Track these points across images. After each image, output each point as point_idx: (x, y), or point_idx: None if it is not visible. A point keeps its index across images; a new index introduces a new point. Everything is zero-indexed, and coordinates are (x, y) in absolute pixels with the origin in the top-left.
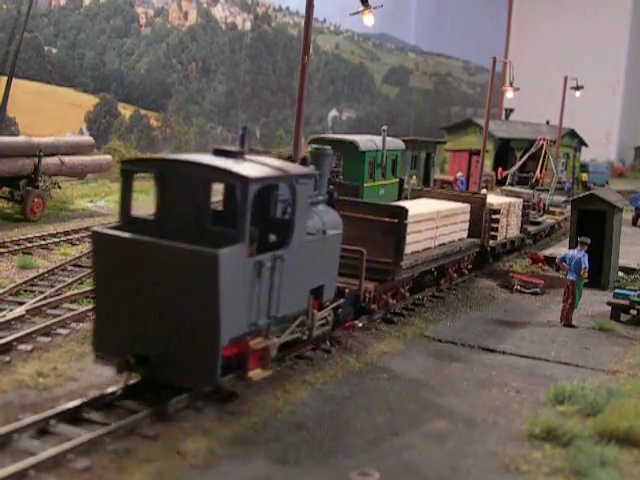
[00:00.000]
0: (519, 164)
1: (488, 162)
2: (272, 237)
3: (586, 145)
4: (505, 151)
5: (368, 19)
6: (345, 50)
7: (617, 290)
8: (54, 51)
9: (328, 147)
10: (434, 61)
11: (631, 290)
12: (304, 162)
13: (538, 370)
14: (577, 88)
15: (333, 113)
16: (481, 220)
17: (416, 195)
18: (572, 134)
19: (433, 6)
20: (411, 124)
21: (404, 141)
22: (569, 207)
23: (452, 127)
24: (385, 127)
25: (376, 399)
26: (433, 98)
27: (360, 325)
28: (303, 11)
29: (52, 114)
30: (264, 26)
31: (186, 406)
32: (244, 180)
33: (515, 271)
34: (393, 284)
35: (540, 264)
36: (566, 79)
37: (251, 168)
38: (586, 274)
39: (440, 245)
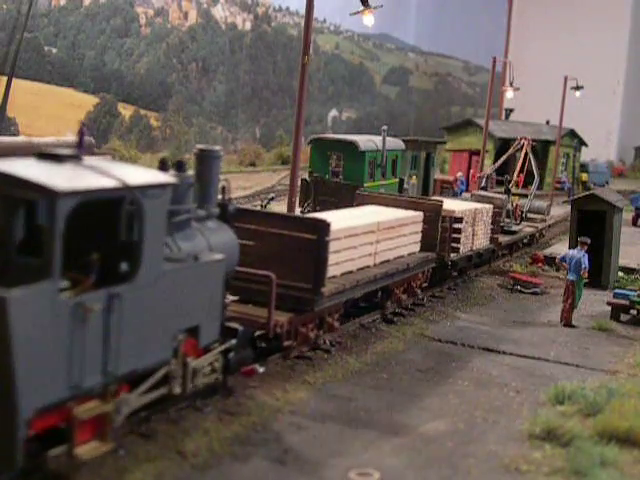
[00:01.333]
0: (496, 166)
1: (488, 162)
2: (124, 266)
3: (586, 145)
4: (505, 151)
5: (368, 19)
6: (345, 50)
7: (617, 290)
8: (54, 51)
9: (217, 148)
10: (434, 61)
11: (631, 290)
12: (163, 166)
13: (538, 370)
14: (577, 88)
15: (333, 113)
16: (436, 230)
17: (362, 201)
18: (572, 134)
19: (433, 6)
20: (411, 124)
21: (404, 141)
22: (560, 212)
23: (452, 127)
24: (385, 127)
25: (376, 399)
26: (433, 98)
27: (261, 371)
28: (303, 11)
29: (52, 114)
30: (264, 26)
31: (186, 406)
32: (51, 194)
33: (515, 271)
34: (315, 314)
35: (540, 264)
36: (566, 79)
37: (70, 177)
38: (586, 274)
39: (383, 263)
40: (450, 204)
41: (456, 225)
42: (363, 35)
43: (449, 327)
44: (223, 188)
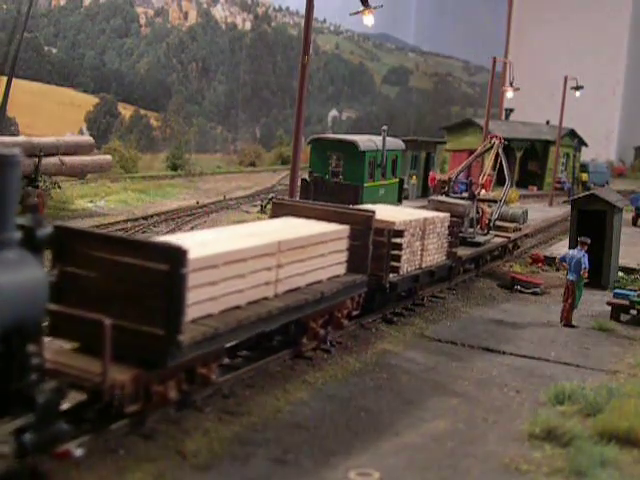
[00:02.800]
0: (460, 168)
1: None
2: None
3: (586, 145)
4: (505, 151)
5: (368, 19)
6: (345, 50)
7: (617, 290)
8: (54, 51)
9: (13, 151)
10: (434, 61)
11: (631, 290)
12: None
13: (538, 370)
14: (577, 88)
15: (333, 113)
16: (367, 248)
17: (279, 212)
18: (572, 134)
19: (433, 6)
20: (411, 124)
21: (404, 141)
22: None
23: (452, 127)
24: (385, 127)
25: (376, 399)
26: (433, 98)
27: (78, 454)
28: (303, 11)
29: (52, 114)
30: (264, 26)
31: (186, 406)
32: None
33: (515, 271)
34: (174, 368)
35: (540, 264)
36: (566, 79)
37: None
38: (586, 274)
39: (289, 292)
40: (391, 214)
41: (396, 240)
42: (363, 35)
43: (449, 327)
44: (31, 206)
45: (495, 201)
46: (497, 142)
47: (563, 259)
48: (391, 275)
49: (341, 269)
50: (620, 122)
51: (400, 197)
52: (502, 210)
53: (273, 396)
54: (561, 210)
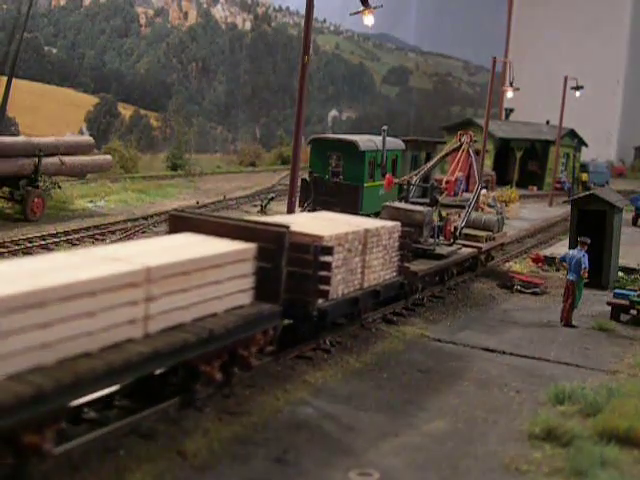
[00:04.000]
0: (422, 170)
1: (488, 162)
2: None
3: (586, 145)
4: (505, 151)
5: (368, 19)
6: (345, 50)
7: (617, 290)
8: (54, 51)
9: None
10: (434, 61)
11: (631, 290)
12: None
13: (538, 370)
14: (577, 88)
15: (333, 113)
16: (280, 271)
17: (176, 226)
18: (572, 134)
19: (433, 6)
20: (411, 124)
21: (404, 141)
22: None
23: (452, 127)
24: (385, 127)
25: (376, 399)
26: (433, 98)
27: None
28: (303, 11)
29: (52, 114)
30: (264, 26)
31: (186, 406)
32: None
33: (515, 271)
34: None
35: (540, 264)
36: (566, 79)
37: None
38: (586, 274)
39: (165, 330)
40: (323, 225)
41: (325, 258)
42: (363, 35)
43: (449, 327)
44: None
45: (462, 207)
46: (466, 140)
47: (563, 259)
48: (320, 300)
49: (245, 298)
50: (620, 122)
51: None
52: (473, 217)
53: (273, 396)
54: (561, 210)
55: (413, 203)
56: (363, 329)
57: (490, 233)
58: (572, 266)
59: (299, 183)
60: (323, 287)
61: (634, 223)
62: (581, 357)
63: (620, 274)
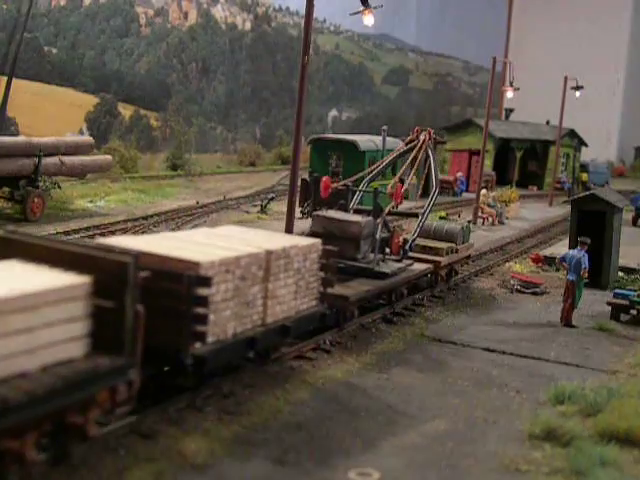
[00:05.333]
0: (371, 171)
1: (488, 162)
2: None
3: (586, 145)
4: (505, 151)
5: (368, 19)
6: (345, 50)
7: (617, 290)
8: (54, 51)
9: None
10: (434, 61)
11: (631, 290)
12: None
13: (538, 370)
14: (577, 88)
15: (333, 113)
16: (123, 310)
17: (5, 251)
18: (572, 134)
19: (433, 6)
20: (411, 124)
21: (404, 141)
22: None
23: (452, 127)
24: (385, 127)
25: (376, 399)
26: (433, 98)
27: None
28: (303, 11)
29: (52, 114)
30: (264, 26)
31: (186, 406)
32: None
33: (515, 271)
34: None
35: (540, 264)
36: (566, 79)
37: None
38: (586, 274)
39: None
40: (204, 249)
41: (201, 291)
42: (363, 35)
43: (449, 327)
44: None
45: (415, 215)
46: (425, 138)
47: (563, 259)
48: (197, 344)
49: (75, 349)
50: (620, 122)
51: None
52: (434, 226)
53: (273, 396)
54: (561, 210)
55: (359, 212)
56: (363, 329)
57: (452, 245)
58: (572, 266)
59: (299, 183)
60: (198, 328)
61: (634, 223)
62: (581, 357)
63: (620, 274)
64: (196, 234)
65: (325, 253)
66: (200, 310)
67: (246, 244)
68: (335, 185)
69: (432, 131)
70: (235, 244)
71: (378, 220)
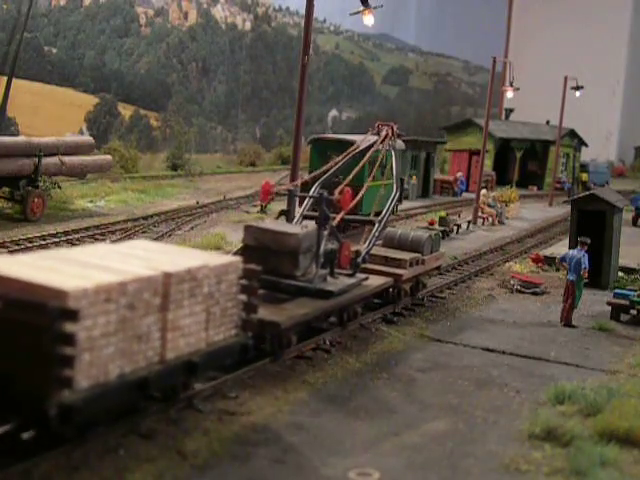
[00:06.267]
0: (314, 175)
1: (488, 162)
2: None
3: (586, 145)
4: (505, 151)
5: (368, 19)
6: (345, 50)
7: (617, 290)
8: (54, 51)
9: None
10: (434, 61)
11: (631, 290)
12: None
13: (538, 370)
14: (577, 88)
15: (333, 113)
16: None
17: None
18: (572, 134)
19: (433, 6)
20: (411, 124)
21: (404, 141)
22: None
23: (452, 127)
24: None
25: (376, 399)
26: (433, 98)
27: None
28: (303, 11)
29: (52, 114)
30: (264, 26)
31: (186, 406)
32: None
33: (515, 271)
34: None
35: (540, 264)
36: (566, 79)
37: None
38: (586, 274)
39: None
40: (83, 271)
41: (68, 326)
42: (363, 35)
43: (449, 327)
44: None
45: (371, 222)
46: (386, 134)
47: (563, 259)
48: (66, 391)
49: None
50: (620, 122)
51: (400, 197)
52: (398, 234)
53: (273, 396)
54: (561, 210)
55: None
56: (363, 329)
57: (418, 255)
58: (572, 266)
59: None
60: (64, 372)
61: (634, 223)
62: (581, 357)
63: (620, 274)
64: (92, 252)
65: (247, 273)
66: (67, 350)
67: (145, 265)
68: (278, 189)
69: (395, 126)
70: (131, 265)
71: (325, 230)
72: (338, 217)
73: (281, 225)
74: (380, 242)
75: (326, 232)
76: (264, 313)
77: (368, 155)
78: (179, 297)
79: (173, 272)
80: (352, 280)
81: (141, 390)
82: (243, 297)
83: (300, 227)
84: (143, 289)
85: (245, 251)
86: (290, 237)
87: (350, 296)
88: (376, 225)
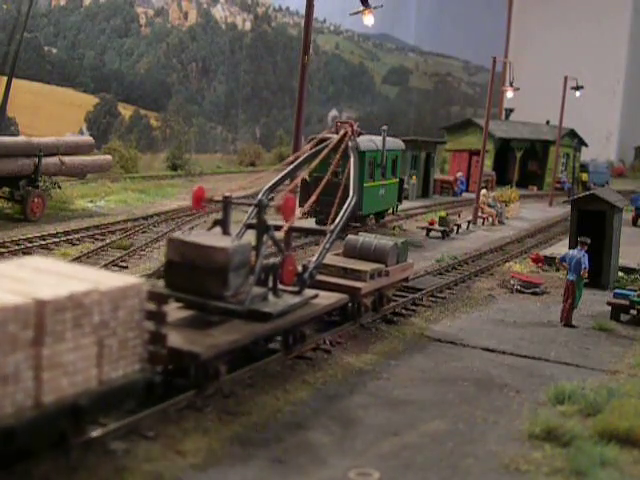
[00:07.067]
0: (273, 181)
1: (488, 162)
2: None
3: (586, 145)
4: (505, 151)
5: (368, 19)
6: (345, 50)
7: (617, 290)
8: (54, 51)
9: None
10: (434, 61)
11: (631, 290)
12: None
13: (538, 370)
14: (577, 88)
15: (333, 113)
16: None
17: None
18: (572, 134)
19: (433, 6)
20: (411, 124)
21: (404, 141)
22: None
23: (452, 127)
24: (385, 127)
25: (376, 399)
26: (433, 98)
27: None
28: (303, 11)
29: (52, 114)
30: (264, 26)
31: (186, 406)
32: None
33: (515, 271)
34: None
35: (540, 264)
36: (566, 79)
37: None
38: (586, 274)
39: None
40: None
41: None
42: (363, 35)
43: (449, 327)
44: None
45: (322, 232)
46: (347, 132)
47: (563, 259)
48: None
49: None
50: (620, 122)
51: (400, 197)
52: (362, 242)
53: (273, 396)
54: (561, 210)
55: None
56: (363, 329)
57: (381, 266)
58: (572, 266)
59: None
60: None
61: (634, 223)
62: (581, 357)
63: (620, 274)
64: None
65: (154, 297)
66: None
67: (19, 290)
68: (211, 199)
69: (355, 124)
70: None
71: (264, 242)
72: (285, 227)
73: (210, 238)
74: (340, 251)
75: (264, 244)
76: (183, 341)
77: (323, 155)
78: (59, 329)
79: (49, 299)
80: (298, 299)
81: (7, 441)
82: (150, 325)
83: (231, 240)
84: (8, 320)
85: (168, 268)
86: (217, 252)
87: (294, 317)
88: (327, 236)
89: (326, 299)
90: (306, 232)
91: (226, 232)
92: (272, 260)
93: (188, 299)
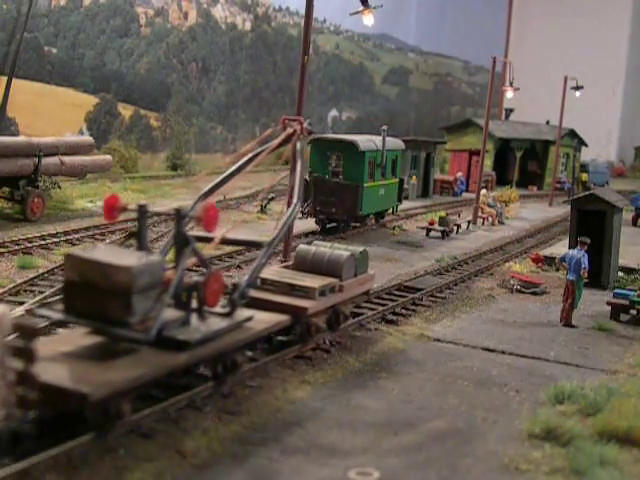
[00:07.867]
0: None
1: (488, 162)
2: None
3: (586, 145)
4: (505, 151)
5: (368, 19)
6: (345, 50)
7: (617, 290)
8: (54, 51)
9: None
10: (434, 61)
11: (631, 290)
12: None
13: (538, 370)
14: (577, 88)
15: (333, 113)
16: None
17: None
18: (572, 134)
19: (433, 6)
20: (411, 124)
21: (404, 141)
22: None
23: (452, 127)
24: (385, 127)
25: (376, 399)
26: (433, 98)
27: None
28: (303, 11)
29: (52, 114)
30: (264, 26)
31: (186, 406)
32: None
33: (515, 271)
34: None
35: (540, 264)
36: (566, 79)
37: None
38: (586, 274)
39: None
40: None
41: None
42: (363, 35)
43: (449, 327)
44: None
45: (258, 245)
46: (296, 129)
47: (563, 259)
48: None
49: None
50: (620, 122)
51: (400, 197)
52: (314, 254)
53: (273, 396)
54: (561, 210)
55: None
56: (363, 329)
57: (335, 280)
58: (572, 266)
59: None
60: None
61: (634, 223)
62: (581, 357)
63: (620, 274)
64: None
65: (21, 330)
66: None
67: None
68: (125, 207)
69: (305, 122)
70: None
71: (183, 257)
72: (217, 239)
73: (115, 254)
74: (291, 263)
75: (184, 260)
76: (72, 378)
77: (265, 153)
78: None
79: None
80: (227, 322)
81: None
82: (17, 364)
83: (139, 257)
84: None
85: (66, 290)
86: (120, 271)
87: (220, 344)
88: (264, 249)
89: (263, 322)
90: (240, 244)
91: (142, 247)
92: (194, 278)
93: (87, 325)
